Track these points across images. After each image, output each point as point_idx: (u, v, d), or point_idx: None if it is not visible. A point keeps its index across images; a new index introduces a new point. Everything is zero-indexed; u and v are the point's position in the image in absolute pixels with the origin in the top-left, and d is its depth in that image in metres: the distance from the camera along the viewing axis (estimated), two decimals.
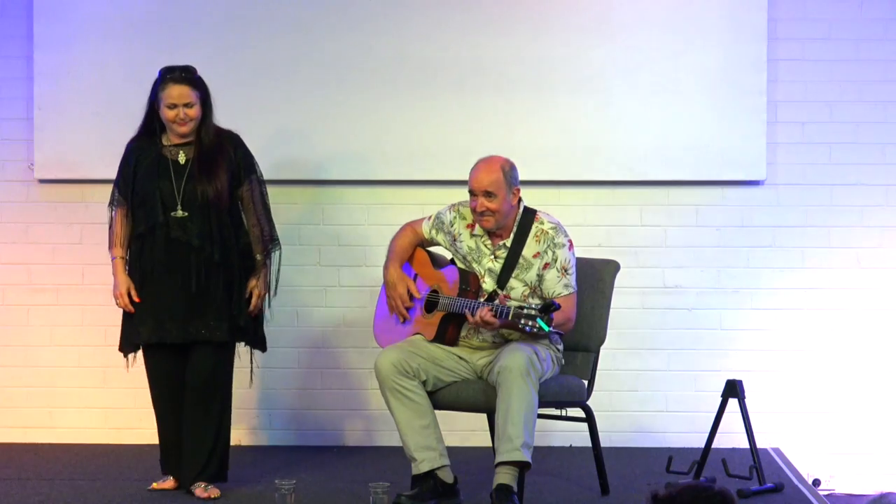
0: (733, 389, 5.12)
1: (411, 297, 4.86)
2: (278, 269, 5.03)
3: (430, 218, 4.99)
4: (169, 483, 5.01)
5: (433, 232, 4.96)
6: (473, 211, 4.78)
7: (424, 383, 4.67)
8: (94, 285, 6.01)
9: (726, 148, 5.94)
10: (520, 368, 4.51)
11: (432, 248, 5.04)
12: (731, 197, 6.01)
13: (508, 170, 4.77)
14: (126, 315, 4.96)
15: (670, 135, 5.94)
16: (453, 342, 4.80)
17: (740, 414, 5.08)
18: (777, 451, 5.80)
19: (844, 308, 5.99)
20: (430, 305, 4.84)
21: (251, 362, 5.18)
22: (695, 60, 5.93)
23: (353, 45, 5.96)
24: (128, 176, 4.93)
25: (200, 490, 4.91)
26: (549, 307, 4.48)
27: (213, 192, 4.87)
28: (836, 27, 6.00)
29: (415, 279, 4.93)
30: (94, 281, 6.02)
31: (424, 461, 4.62)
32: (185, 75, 4.92)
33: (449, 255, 4.99)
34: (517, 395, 4.51)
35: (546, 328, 4.45)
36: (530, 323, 4.45)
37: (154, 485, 5.02)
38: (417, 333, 4.83)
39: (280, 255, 5.04)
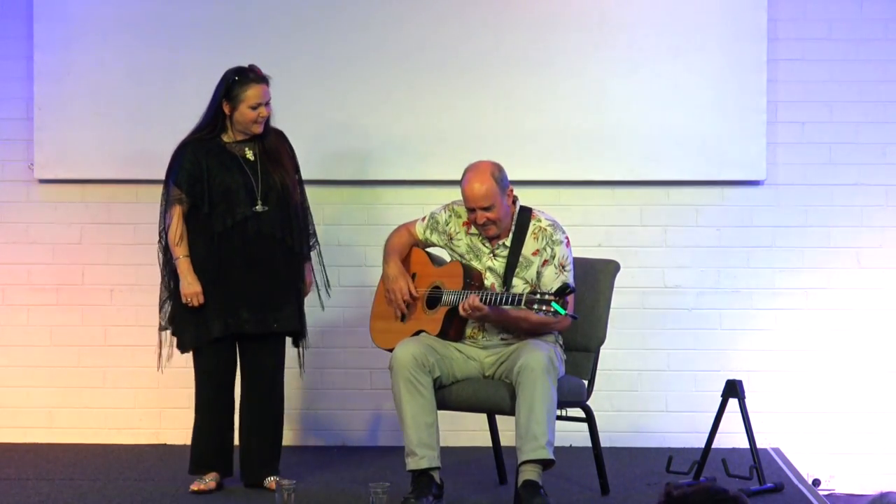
0: (733, 389, 5.11)
1: (411, 295, 4.85)
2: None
3: (423, 219, 4.98)
4: (212, 483, 4.93)
5: (427, 232, 4.95)
6: (475, 224, 4.77)
7: (437, 380, 4.67)
8: (94, 285, 6.02)
9: (726, 148, 5.94)
10: (542, 367, 4.51)
11: (430, 249, 5.03)
12: (731, 197, 6.01)
13: (498, 175, 4.74)
14: (189, 313, 4.90)
15: (670, 135, 5.94)
16: (458, 337, 4.79)
17: (740, 414, 5.07)
18: (777, 451, 5.79)
19: (845, 308, 5.99)
20: (433, 301, 4.84)
21: (302, 355, 5.17)
22: (695, 60, 5.93)
23: (354, 47, 5.96)
24: (197, 173, 4.89)
25: (274, 483, 4.91)
26: (563, 290, 4.46)
27: (290, 184, 4.97)
28: (836, 27, 6.00)
29: (413, 279, 4.92)
30: (94, 281, 6.03)
31: (424, 458, 4.62)
32: (261, 75, 4.95)
33: (446, 257, 4.98)
34: (540, 393, 4.51)
35: (562, 311, 4.42)
36: (544, 307, 4.43)
37: (195, 486, 4.91)
38: (420, 330, 4.82)
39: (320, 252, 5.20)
